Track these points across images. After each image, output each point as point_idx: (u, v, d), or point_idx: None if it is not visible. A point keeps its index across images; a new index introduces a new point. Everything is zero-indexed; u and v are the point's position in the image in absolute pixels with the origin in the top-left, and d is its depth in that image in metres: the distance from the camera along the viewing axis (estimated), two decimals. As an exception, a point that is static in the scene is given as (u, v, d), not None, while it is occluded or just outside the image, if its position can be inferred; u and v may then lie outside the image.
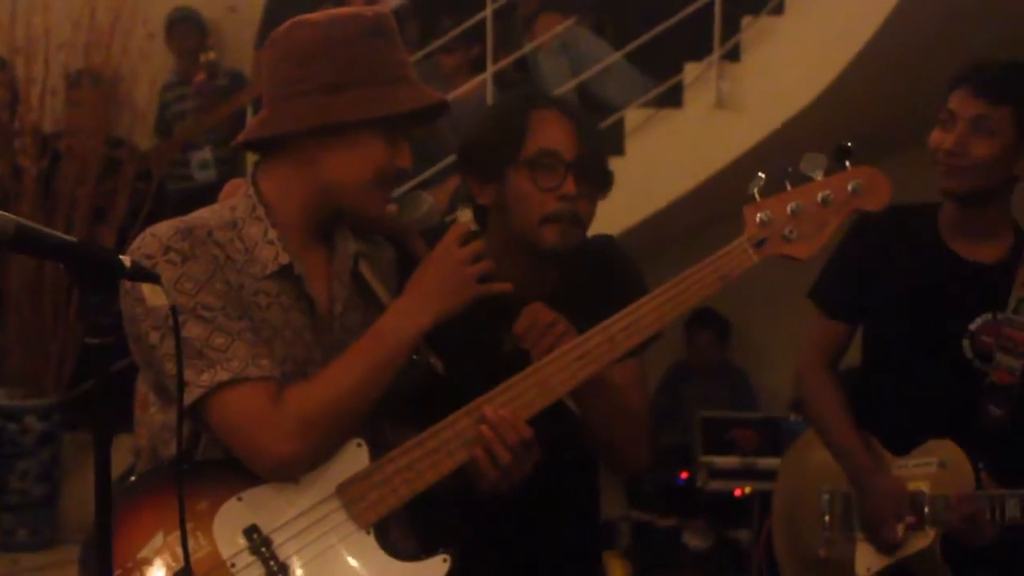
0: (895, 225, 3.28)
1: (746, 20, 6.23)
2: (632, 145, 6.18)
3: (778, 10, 6.17)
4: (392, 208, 2.57)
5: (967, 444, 3.18)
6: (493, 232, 2.76)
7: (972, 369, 3.22)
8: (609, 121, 6.11)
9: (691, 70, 6.24)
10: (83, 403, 6.07)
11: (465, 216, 2.48)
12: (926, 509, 3.20)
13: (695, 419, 6.37)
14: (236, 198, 2.47)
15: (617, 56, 6.44)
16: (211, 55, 7.68)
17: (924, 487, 3.22)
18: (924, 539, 3.21)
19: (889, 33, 5.68)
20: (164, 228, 2.36)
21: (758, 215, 2.48)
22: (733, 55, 6.21)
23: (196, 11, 7.89)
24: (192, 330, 2.30)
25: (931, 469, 3.23)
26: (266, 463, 2.34)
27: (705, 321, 6.87)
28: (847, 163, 2.52)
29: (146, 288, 1.95)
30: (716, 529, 6.27)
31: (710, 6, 6.13)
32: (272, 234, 2.41)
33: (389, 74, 2.41)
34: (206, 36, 7.91)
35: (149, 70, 7.56)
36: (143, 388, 6.82)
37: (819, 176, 2.50)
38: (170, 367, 2.29)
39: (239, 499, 2.36)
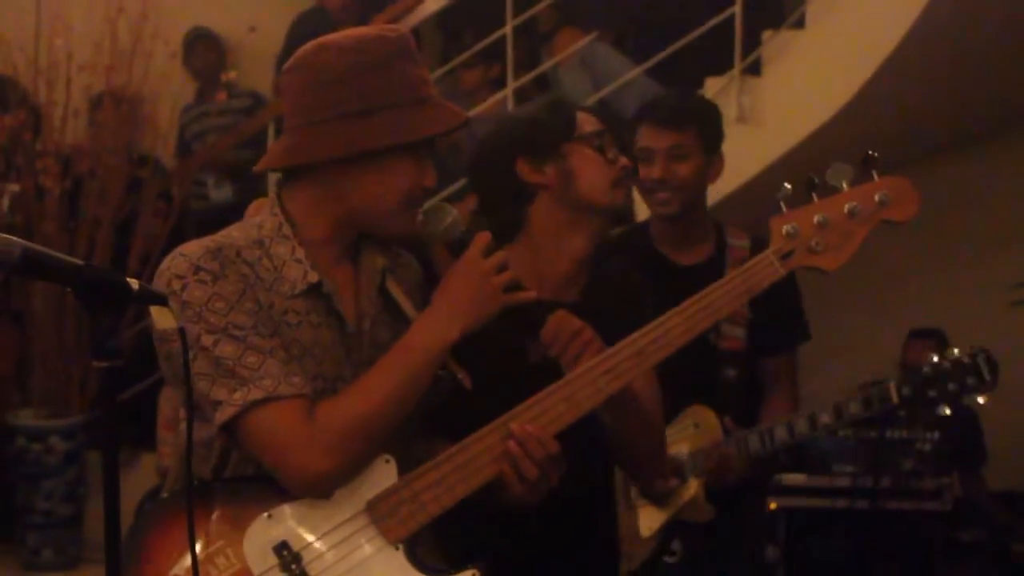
0: (615, 242, 3.66)
1: (767, 34, 6.23)
2: (654, 160, 6.16)
3: (799, 24, 6.17)
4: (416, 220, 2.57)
5: (713, 403, 3.70)
6: (518, 244, 2.79)
7: (707, 343, 3.65)
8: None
9: (712, 84, 6.24)
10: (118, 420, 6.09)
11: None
12: (686, 466, 3.67)
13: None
14: (261, 216, 2.46)
15: (638, 71, 6.43)
16: (231, 74, 7.72)
17: (685, 447, 3.68)
18: (689, 490, 3.63)
19: (910, 46, 5.67)
20: (193, 248, 2.36)
21: (784, 227, 2.48)
22: (754, 69, 6.21)
23: (212, 31, 7.91)
24: (224, 349, 2.30)
25: (688, 431, 3.71)
26: (300, 480, 2.34)
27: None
28: (874, 173, 2.51)
29: (154, 311, 1.94)
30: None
31: (731, 20, 6.12)
32: (299, 253, 2.40)
33: (415, 95, 2.41)
34: (224, 55, 7.94)
35: (170, 90, 7.60)
36: (166, 408, 6.86)
37: (845, 187, 2.50)
38: (203, 385, 2.31)
39: (269, 516, 2.36)
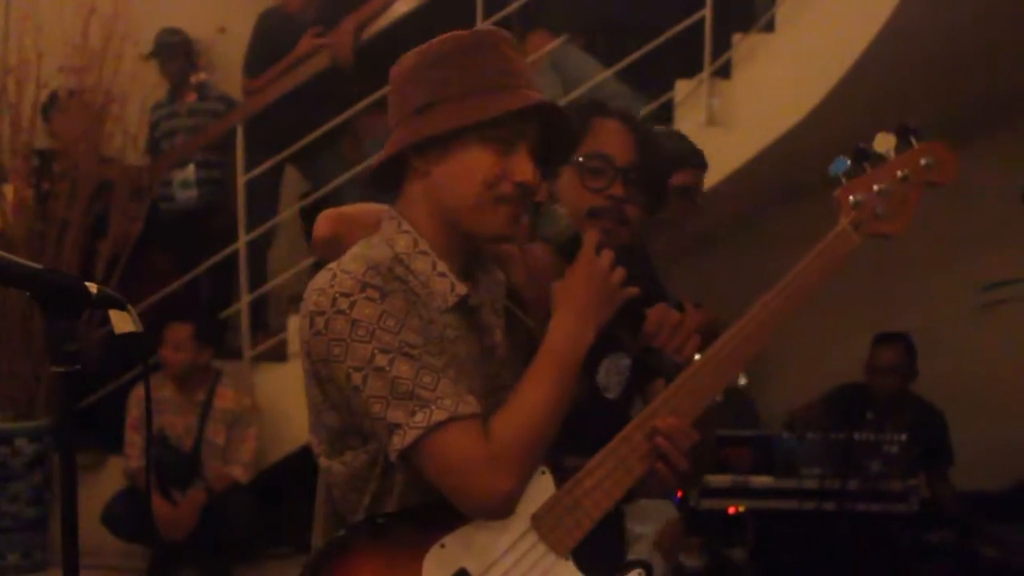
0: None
1: (737, 37, 6.24)
2: (624, 163, 6.17)
3: (769, 27, 6.19)
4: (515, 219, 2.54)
5: None
6: None
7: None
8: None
9: (682, 87, 6.25)
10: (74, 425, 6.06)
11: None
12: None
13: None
14: (383, 234, 2.39)
15: (608, 74, 6.44)
16: (201, 76, 7.69)
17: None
18: None
19: (880, 49, 5.69)
20: (354, 264, 2.28)
21: (851, 198, 2.54)
22: (724, 72, 6.22)
23: (183, 32, 7.89)
24: (400, 369, 2.24)
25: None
26: (487, 501, 2.29)
27: (709, 338, 6.84)
28: (912, 140, 2.59)
29: (114, 315, 1.92)
30: (711, 548, 6.26)
31: (701, 23, 6.14)
32: (442, 266, 2.35)
33: (489, 83, 2.35)
34: (194, 57, 7.91)
35: (140, 91, 7.57)
36: (134, 410, 6.82)
37: (892, 155, 2.57)
38: (378, 409, 2.24)
39: (442, 546, 2.31)
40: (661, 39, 6.21)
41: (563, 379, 2.36)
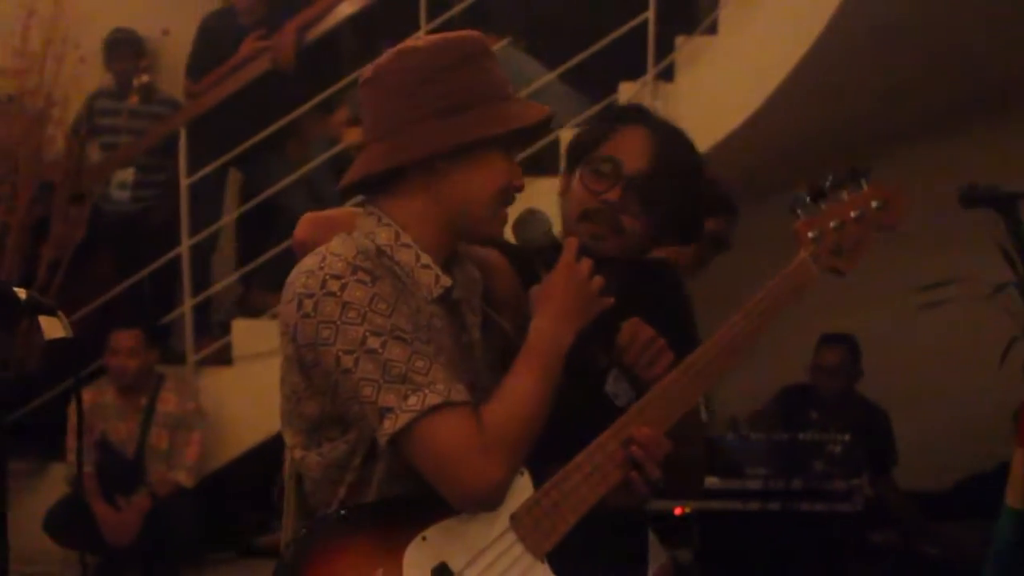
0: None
1: (680, 40, 6.26)
2: (568, 165, 6.17)
3: (712, 30, 6.21)
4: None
5: None
6: None
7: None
8: (544, 141, 6.10)
9: (625, 89, 6.26)
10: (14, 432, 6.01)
11: None
12: None
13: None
14: (361, 229, 2.37)
15: (551, 76, 6.44)
16: (144, 78, 7.63)
17: None
18: None
19: (822, 52, 5.73)
20: (344, 248, 2.29)
21: (810, 232, 2.61)
22: (667, 75, 6.24)
23: (135, 33, 7.82)
24: (393, 352, 2.22)
25: None
26: (477, 490, 2.27)
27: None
28: (863, 183, 2.65)
29: (44, 320, 1.90)
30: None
31: (644, 26, 6.15)
32: (425, 258, 2.34)
33: (499, 92, 2.38)
34: (141, 58, 7.85)
35: (81, 94, 7.52)
36: (77, 418, 6.75)
37: (846, 196, 2.64)
38: (368, 392, 2.22)
39: (423, 538, 2.29)
40: (604, 41, 6.22)
41: (547, 377, 2.36)
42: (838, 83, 6.08)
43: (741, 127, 5.93)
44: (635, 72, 6.22)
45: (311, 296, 2.24)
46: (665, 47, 6.22)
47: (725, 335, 2.55)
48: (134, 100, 7.62)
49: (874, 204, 2.64)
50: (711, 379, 2.55)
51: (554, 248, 2.52)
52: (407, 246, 2.34)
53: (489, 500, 2.31)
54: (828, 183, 2.64)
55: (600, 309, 2.47)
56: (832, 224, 2.61)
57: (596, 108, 6.22)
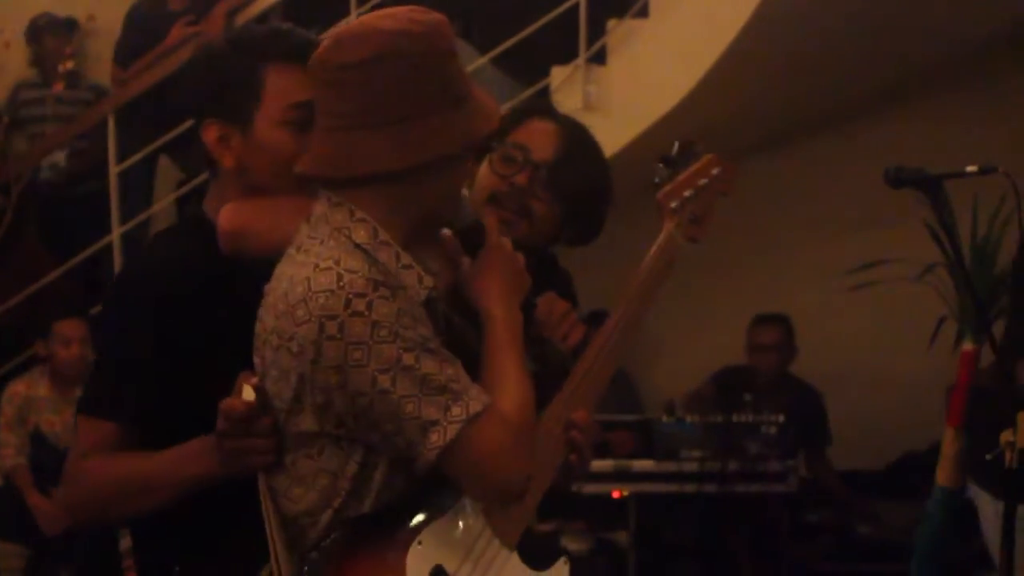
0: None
1: (611, 23, 6.27)
2: (501, 149, 6.17)
3: (643, 13, 6.22)
4: None
5: None
6: None
7: None
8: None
9: (558, 74, 6.26)
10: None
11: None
12: None
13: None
14: (332, 223, 2.24)
15: (484, 60, 6.43)
16: (69, 64, 7.53)
17: None
18: None
19: (752, 33, 5.75)
20: (353, 261, 2.17)
21: (672, 203, 2.66)
22: (599, 58, 6.24)
23: (62, 18, 7.71)
24: (428, 364, 2.16)
25: None
26: (517, 485, 2.27)
27: (588, 319, 6.86)
28: (699, 151, 2.74)
29: None
30: (594, 532, 6.29)
31: (575, 9, 6.15)
32: (406, 258, 2.25)
33: (467, 89, 2.33)
34: (67, 44, 7.74)
35: (4, 80, 7.41)
36: (8, 408, 6.69)
37: (692, 165, 2.71)
38: (411, 409, 2.15)
39: (419, 543, 2.26)
40: (536, 25, 6.21)
41: (523, 361, 2.35)
42: (768, 66, 6.11)
43: (673, 110, 5.95)
44: (567, 56, 6.22)
45: (334, 318, 2.13)
46: (597, 31, 6.22)
47: (622, 316, 2.57)
48: (59, 87, 7.53)
49: (714, 171, 2.71)
50: (619, 359, 2.57)
51: (473, 229, 2.52)
52: (386, 244, 2.24)
53: (523, 492, 2.30)
54: (675, 152, 2.71)
55: (528, 285, 2.48)
56: (687, 194, 2.67)
57: (528, 93, 6.22)
